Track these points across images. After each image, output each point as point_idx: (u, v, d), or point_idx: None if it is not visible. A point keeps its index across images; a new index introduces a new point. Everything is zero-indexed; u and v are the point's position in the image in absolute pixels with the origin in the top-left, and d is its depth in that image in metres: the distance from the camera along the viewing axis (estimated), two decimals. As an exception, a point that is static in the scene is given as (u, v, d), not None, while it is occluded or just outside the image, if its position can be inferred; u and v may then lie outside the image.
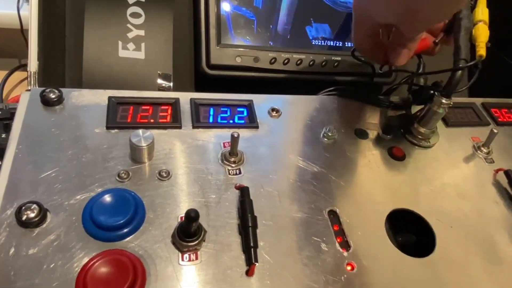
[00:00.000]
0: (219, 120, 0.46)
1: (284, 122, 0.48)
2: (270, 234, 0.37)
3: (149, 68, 0.53)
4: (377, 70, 0.60)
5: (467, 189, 0.49)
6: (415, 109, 0.53)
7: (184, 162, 0.41)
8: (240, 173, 0.41)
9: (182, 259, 0.34)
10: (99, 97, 0.43)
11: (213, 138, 0.44)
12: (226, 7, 0.56)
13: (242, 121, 0.47)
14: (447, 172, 0.50)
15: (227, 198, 0.39)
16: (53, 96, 0.41)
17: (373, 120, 0.52)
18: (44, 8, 0.51)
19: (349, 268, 0.37)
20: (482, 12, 0.46)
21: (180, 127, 0.44)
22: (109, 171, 0.38)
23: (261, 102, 0.49)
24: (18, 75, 0.84)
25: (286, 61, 0.58)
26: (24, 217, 0.32)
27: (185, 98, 0.46)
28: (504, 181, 0.50)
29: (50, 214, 0.34)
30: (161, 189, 0.38)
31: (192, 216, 0.32)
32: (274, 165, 0.43)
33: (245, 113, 0.47)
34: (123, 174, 0.38)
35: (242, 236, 0.36)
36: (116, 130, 0.41)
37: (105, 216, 0.34)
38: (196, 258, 0.34)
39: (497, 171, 0.51)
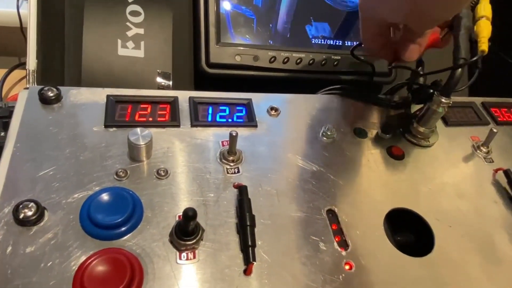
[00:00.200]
0: (217, 118, 0.46)
1: (283, 121, 0.48)
2: (268, 233, 0.37)
3: (148, 66, 0.53)
4: (377, 69, 0.59)
5: (466, 189, 0.48)
6: (414, 108, 0.53)
7: (183, 161, 0.41)
8: (238, 172, 0.41)
9: (180, 258, 0.34)
10: (98, 96, 0.43)
11: (212, 137, 0.44)
12: (225, 5, 0.56)
13: (241, 120, 0.47)
14: (446, 172, 0.50)
15: (226, 197, 0.39)
16: (51, 94, 0.41)
17: (372, 119, 0.52)
18: (43, 6, 0.51)
19: (347, 267, 0.37)
20: (484, 8, 0.46)
21: (178, 126, 0.44)
22: (107, 170, 0.38)
23: (260, 100, 0.49)
24: (17, 73, 0.84)
25: (285, 60, 0.58)
26: (21, 215, 0.32)
27: (183, 96, 0.46)
28: (503, 180, 0.50)
29: (47, 213, 0.34)
30: (159, 188, 0.38)
31: (190, 215, 0.32)
32: (272, 164, 0.43)
33: (244, 112, 0.47)
34: (121, 173, 0.38)
35: (240, 235, 0.36)
36: (114, 129, 0.41)
37: (102, 214, 0.33)
38: (194, 257, 0.34)
39: (496, 170, 0.51)
